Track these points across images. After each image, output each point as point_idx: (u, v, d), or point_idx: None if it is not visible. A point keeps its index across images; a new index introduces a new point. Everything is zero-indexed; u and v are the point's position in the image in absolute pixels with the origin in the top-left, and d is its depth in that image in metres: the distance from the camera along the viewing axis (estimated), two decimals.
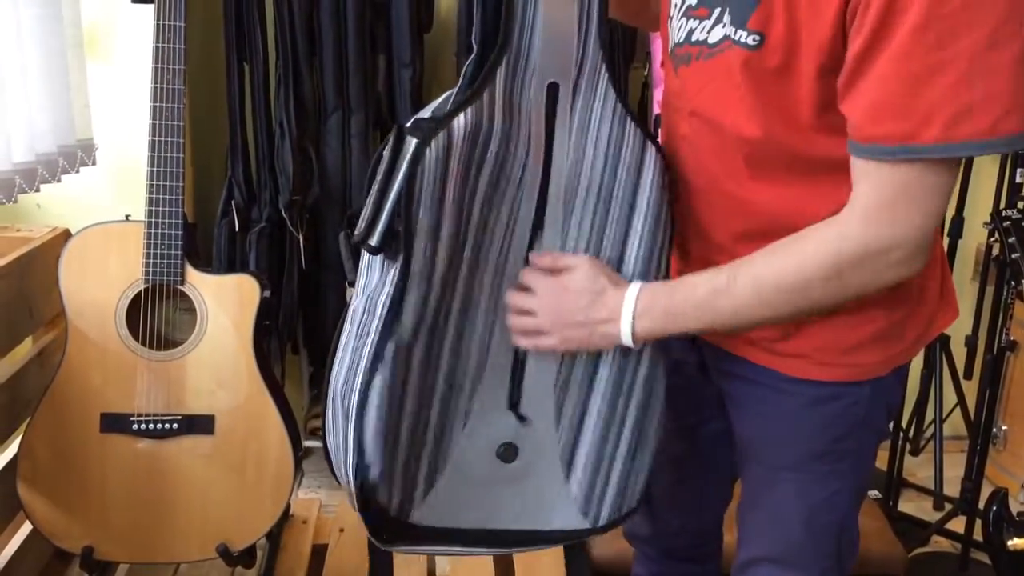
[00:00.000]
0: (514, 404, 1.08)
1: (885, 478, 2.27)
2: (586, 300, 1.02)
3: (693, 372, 1.19)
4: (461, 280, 1.01)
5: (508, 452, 1.09)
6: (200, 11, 2.00)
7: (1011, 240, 1.77)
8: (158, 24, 1.57)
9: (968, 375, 2.31)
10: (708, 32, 0.97)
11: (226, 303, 1.64)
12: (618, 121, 1.04)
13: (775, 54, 0.90)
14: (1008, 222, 1.78)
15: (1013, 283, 1.93)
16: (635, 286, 1.02)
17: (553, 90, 1.01)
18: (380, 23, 2.07)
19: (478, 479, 1.08)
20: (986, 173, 2.21)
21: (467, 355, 1.04)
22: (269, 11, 2.02)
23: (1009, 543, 1.85)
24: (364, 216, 0.99)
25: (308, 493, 2.25)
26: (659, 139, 1.09)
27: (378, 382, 0.98)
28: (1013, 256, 1.77)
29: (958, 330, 2.31)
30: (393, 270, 0.99)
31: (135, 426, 1.63)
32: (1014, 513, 1.88)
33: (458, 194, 0.97)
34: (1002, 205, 2.02)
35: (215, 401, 1.65)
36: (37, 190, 1.79)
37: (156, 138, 1.58)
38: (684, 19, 1.02)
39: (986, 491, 1.98)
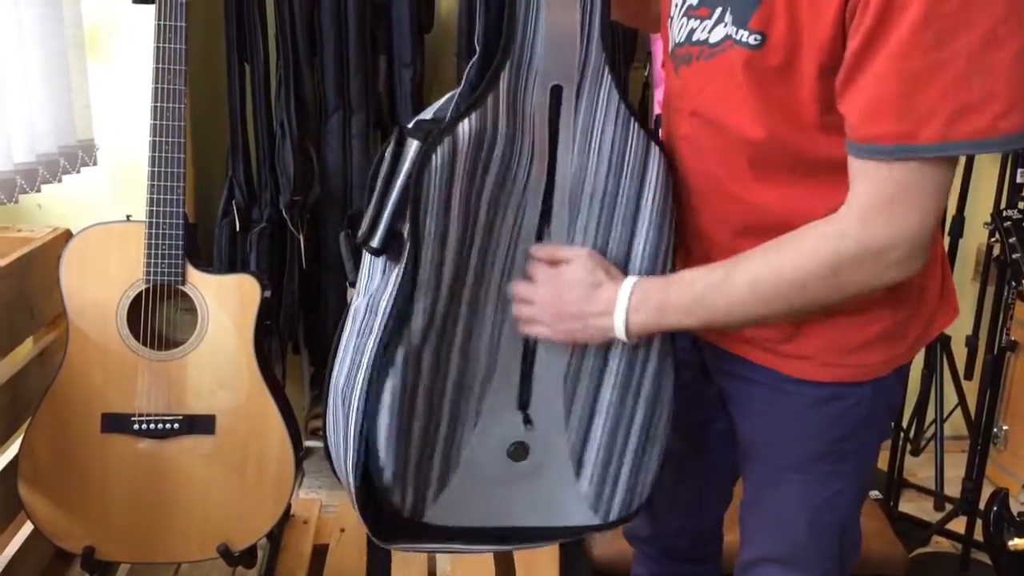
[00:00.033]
0: (524, 404, 1.08)
1: (886, 478, 2.27)
2: (582, 292, 1.02)
3: (695, 372, 1.19)
4: (468, 284, 1.02)
5: (519, 451, 1.09)
6: (201, 11, 2.00)
7: (1012, 240, 1.77)
8: (159, 24, 1.57)
9: (969, 375, 2.31)
10: (709, 32, 0.97)
11: (227, 303, 1.64)
12: (622, 123, 1.04)
13: (777, 53, 0.90)
14: (1009, 222, 1.78)
15: (1014, 283, 1.93)
16: (630, 280, 1.02)
17: (556, 93, 1.02)
18: (381, 23, 2.08)
19: (490, 478, 1.09)
20: (987, 173, 2.21)
21: (476, 358, 1.05)
22: (270, 11, 2.02)
23: (1010, 543, 1.85)
24: (366, 218, 0.99)
25: (309, 493, 2.25)
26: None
27: (389, 386, 0.98)
28: (1014, 256, 1.77)
29: (959, 330, 2.31)
30: (396, 271, 0.99)
31: (136, 426, 1.63)
32: (1015, 513, 1.88)
33: (464, 199, 0.98)
34: (1002, 205, 2.02)
35: (216, 401, 1.65)
36: (38, 190, 1.79)
37: (157, 138, 1.58)
38: (685, 19, 1.02)
39: (987, 491, 1.97)
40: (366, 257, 1.06)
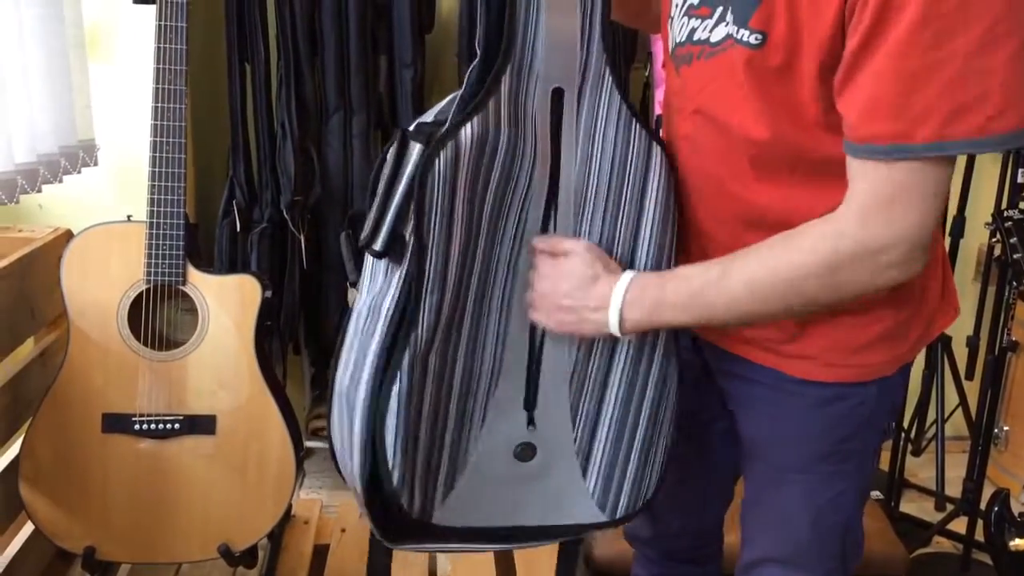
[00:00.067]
0: (530, 405, 1.09)
1: (887, 479, 2.27)
2: (578, 285, 1.02)
3: (696, 373, 1.19)
4: (473, 287, 1.02)
5: (526, 451, 1.10)
6: (202, 12, 2.00)
7: (1013, 240, 1.77)
8: (160, 25, 1.57)
9: (970, 376, 2.31)
10: (710, 31, 0.97)
11: (228, 303, 1.64)
12: (624, 124, 1.04)
13: (777, 53, 0.90)
14: (1010, 222, 1.78)
15: (1015, 283, 1.93)
16: (627, 275, 1.02)
17: (558, 96, 1.02)
18: (382, 24, 2.08)
19: (497, 479, 1.09)
20: (987, 173, 2.21)
21: (482, 360, 1.05)
22: (271, 12, 2.02)
23: (1011, 544, 1.85)
24: (368, 220, 1.00)
25: (310, 493, 2.25)
26: None
27: (396, 390, 0.99)
28: (1015, 256, 1.77)
29: (960, 330, 2.31)
30: (398, 273, 0.99)
31: (137, 426, 1.63)
32: (1016, 514, 1.88)
33: (467, 202, 0.98)
34: (1004, 205, 2.02)
35: (217, 401, 1.65)
36: (39, 190, 1.79)
37: (158, 138, 1.58)
38: (686, 18, 1.02)
39: (987, 492, 1.97)
40: (368, 259, 1.06)
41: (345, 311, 2.05)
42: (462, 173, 0.96)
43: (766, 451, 1.14)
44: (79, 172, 1.91)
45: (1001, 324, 2.02)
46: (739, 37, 0.92)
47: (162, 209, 1.59)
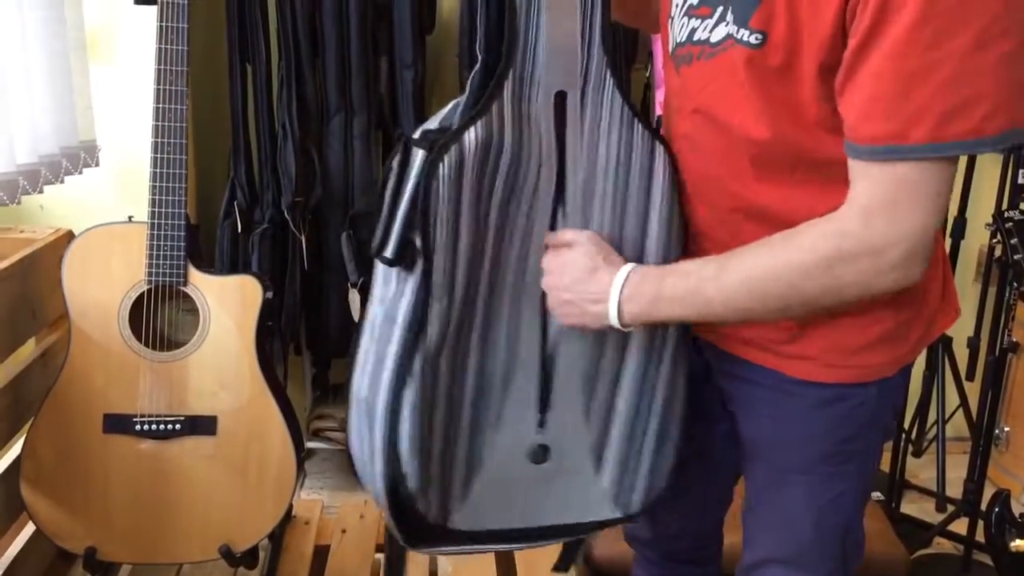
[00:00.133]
0: (544, 405, 1.09)
1: (887, 479, 2.27)
2: (578, 277, 1.02)
3: (699, 374, 1.19)
4: (482, 291, 1.03)
5: (540, 452, 1.10)
6: (203, 13, 2.00)
7: (1013, 241, 1.77)
8: (161, 26, 1.57)
9: (970, 376, 2.31)
10: (710, 31, 0.97)
11: (229, 304, 1.64)
12: (627, 125, 1.05)
13: (777, 53, 0.90)
14: (1010, 223, 1.78)
15: (1015, 284, 1.93)
16: (626, 268, 1.02)
17: (561, 99, 1.02)
18: (382, 25, 2.08)
19: (513, 480, 1.10)
20: (988, 174, 2.21)
21: (494, 363, 1.06)
22: (272, 13, 2.02)
23: (1012, 545, 1.85)
24: (378, 228, 1.00)
25: (310, 494, 2.25)
26: None
27: (409, 395, 0.99)
28: (1015, 257, 1.77)
29: (960, 331, 2.31)
30: (411, 279, 1.00)
31: (138, 427, 1.63)
32: (1016, 515, 1.88)
33: (473, 207, 0.98)
34: (1004, 206, 2.02)
35: (217, 402, 1.65)
36: (40, 191, 1.79)
37: (159, 139, 1.58)
38: (686, 18, 1.02)
39: (988, 492, 1.98)
40: (378, 265, 1.06)
41: (347, 311, 2.06)
42: (467, 177, 0.97)
43: (767, 452, 1.14)
44: (80, 173, 1.92)
45: (1002, 325, 2.02)
46: (739, 37, 0.92)
47: (163, 210, 1.59)
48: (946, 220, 0.93)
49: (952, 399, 2.32)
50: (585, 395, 1.10)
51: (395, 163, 1.00)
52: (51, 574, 1.76)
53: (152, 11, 1.59)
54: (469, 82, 1.01)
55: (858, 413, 1.07)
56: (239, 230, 2.07)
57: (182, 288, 1.62)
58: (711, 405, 1.20)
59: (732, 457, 1.23)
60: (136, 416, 1.63)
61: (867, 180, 0.88)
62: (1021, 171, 2.00)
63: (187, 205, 1.61)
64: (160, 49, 1.57)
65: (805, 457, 1.10)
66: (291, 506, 1.76)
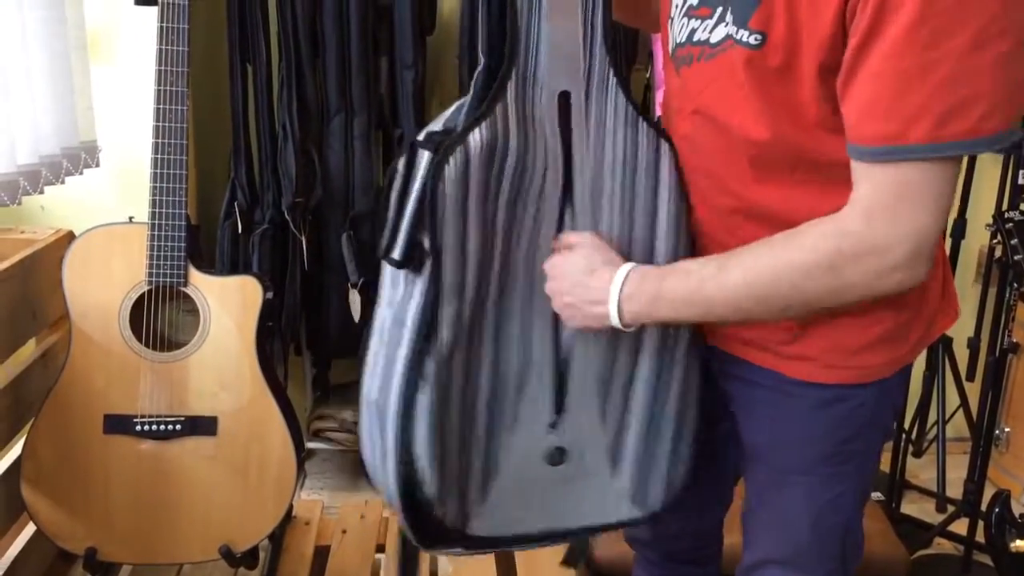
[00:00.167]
0: (559, 407, 1.09)
1: (887, 480, 2.26)
2: (578, 280, 1.02)
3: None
4: (492, 293, 1.03)
5: (557, 455, 1.10)
6: (203, 13, 2.00)
7: (1013, 242, 1.77)
8: (161, 26, 1.58)
9: (971, 377, 2.31)
10: (710, 32, 0.97)
11: (229, 305, 1.64)
12: (631, 123, 1.05)
13: (777, 53, 0.90)
14: (1011, 224, 1.78)
15: (1015, 285, 1.93)
16: (624, 268, 1.01)
17: (564, 99, 1.02)
18: (383, 25, 2.08)
19: (530, 484, 1.10)
20: (988, 175, 2.21)
21: (507, 365, 1.05)
22: (272, 13, 2.02)
23: (1012, 545, 1.85)
24: (385, 230, 1.00)
25: (311, 495, 2.26)
26: None
27: (422, 399, 0.99)
28: (1015, 258, 1.77)
29: (960, 332, 2.31)
30: (419, 282, 0.99)
31: (138, 427, 1.64)
32: (1016, 515, 1.88)
33: (480, 208, 0.98)
34: (1004, 207, 2.02)
35: (218, 403, 1.66)
36: (41, 192, 1.79)
37: (159, 140, 1.59)
38: (686, 19, 1.02)
39: (988, 493, 1.98)
40: (386, 267, 1.06)
41: (347, 312, 2.06)
42: (473, 179, 0.97)
43: (767, 453, 1.14)
44: (81, 173, 1.92)
45: (1002, 325, 2.02)
46: (739, 38, 0.92)
47: (164, 210, 1.59)
48: (946, 220, 0.93)
49: (952, 399, 2.32)
50: (600, 397, 1.10)
51: (401, 165, 1.00)
52: (51, 574, 1.76)
53: (153, 12, 1.59)
54: (473, 84, 1.01)
55: (858, 414, 1.07)
56: (239, 231, 2.07)
57: (182, 289, 1.63)
58: (712, 406, 1.20)
59: (732, 458, 1.23)
60: (136, 416, 1.64)
61: (869, 181, 0.88)
62: (1021, 172, 2.00)
63: (187, 206, 1.61)
64: (161, 50, 1.58)
65: (805, 458, 1.10)
66: (291, 506, 1.76)
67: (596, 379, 1.10)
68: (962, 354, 2.30)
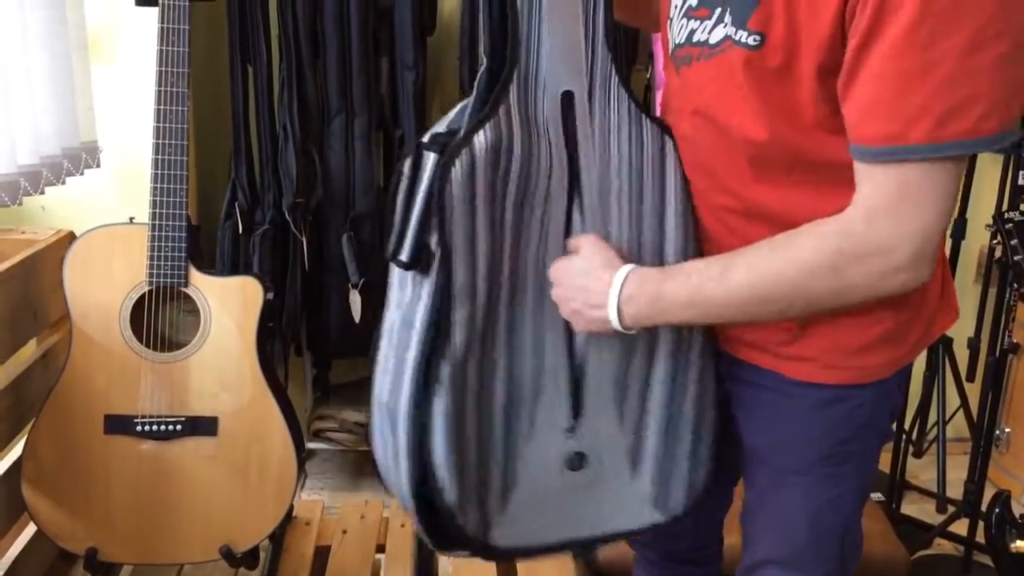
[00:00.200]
0: (576, 411, 1.08)
1: (888, 480, 2.27)
2: (581, 283, 1.02)
3: None
4: (503, 297, 1.02)
5: (577, 460, 1.09)
6: (204, 14, 2.00)
7: (1013, 242, 1.77)
8: (162, 27, 1.58)
9: (971, 377, 2.31)
10: (709, 33, 0.97)
11: (230, 305, 1.65)
12: (635, 121, 1.05)
13: (776, 54, 0.90)
14: (1011, 224, 1.78)
15: (1016, 285, 1.93)
16: (623, 270, 1.01)
17: (568, 99, 1.02)
18: (383, 26, 2.08)
19: (551, 491, 1.09)
20: (988, 175, 2.21)
21: (522, 369, 1.05)
22: (273, 14, 2.03)
23: (1012, 545, 1.85)
24: (392, 233, 1.00)
25: (311, 495, 2.26)
26: None
27: (439, 404, 0.99)
28: (1016, 258, 1.77)
29: (961, 332, 2.31)
30: (427, 283, 0.99)
31: (139, 428, 1.64)
32: (1017, 515, 1.88)
33: (488, 209, 0.98)
34: (1004, 207, 2.02)
35: (218, 403, 1.66)
36: (42, 192, 1.79)
37: (160, 141, 1.59)
38: (685, 20, 1.02)
39: (989, 493, 1.98)
40: (394, 269, 1.05)
41: (347, 312, 2.06)
42: (480, 180, 0.97)
43: (767, 454, 1.14)
44: (82, 174, 1.92)
45: (1002, 326, 2.02)
46: (737, 38, 0.93)
47: (164, 211, 1.59)
48: (949, 221, 0.93)
49: (952, 400, 2.32)
50: (617, 401, 1.10)
51: (406, 167, 1.00)
52: (52, 575, 1.76)
53: (153, 12, 1.59)
54: (475, 85, 1.01)
55: (856, 415, 1.07)
56: (240, 231, 2.07)
57: (183, 289, 1.63)
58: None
59: (732, 458, 1.23)
60: (137, 417, 1.64)
61: (871, 182, 0.88)
62: (1021, 172, 2.00)
63: (188, 206, 1.61)
64: (161, 50, 1.58)
65: (804, 458, 1.10)
66: (292, 507, 1.76)
67: (612, 383, 1.09)
68: (962, 354, 2.30)
